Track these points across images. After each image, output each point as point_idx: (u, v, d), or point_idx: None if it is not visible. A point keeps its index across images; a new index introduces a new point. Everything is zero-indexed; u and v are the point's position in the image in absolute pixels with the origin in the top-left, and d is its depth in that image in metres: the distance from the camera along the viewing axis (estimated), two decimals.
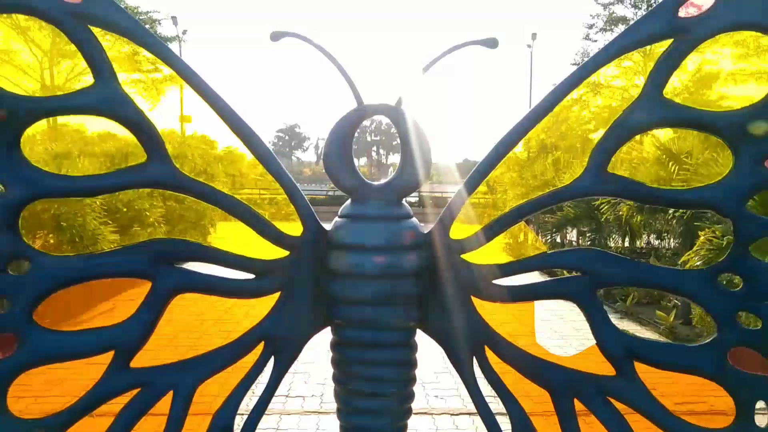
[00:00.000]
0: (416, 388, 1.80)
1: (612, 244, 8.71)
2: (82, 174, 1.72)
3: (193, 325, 5.08)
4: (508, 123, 1.71)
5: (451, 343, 1.76)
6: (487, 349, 1.74)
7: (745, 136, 1.50)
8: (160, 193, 8.53)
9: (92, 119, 1.53)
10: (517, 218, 1.73)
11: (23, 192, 1.51)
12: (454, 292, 1.74)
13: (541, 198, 1.72)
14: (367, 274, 1.67)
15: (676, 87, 14.17)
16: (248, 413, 1.76)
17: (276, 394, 1.84)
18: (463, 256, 1.74)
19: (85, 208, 6.29)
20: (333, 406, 2.80)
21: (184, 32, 26.64)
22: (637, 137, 7.31)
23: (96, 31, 1.52)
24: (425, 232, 1.73)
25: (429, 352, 2.27)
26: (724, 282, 1.63)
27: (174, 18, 25.24)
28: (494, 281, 1.73)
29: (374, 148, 58.29)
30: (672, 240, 7.58)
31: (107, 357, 1.63)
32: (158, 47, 1.59)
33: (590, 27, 27.72)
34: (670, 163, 6.31)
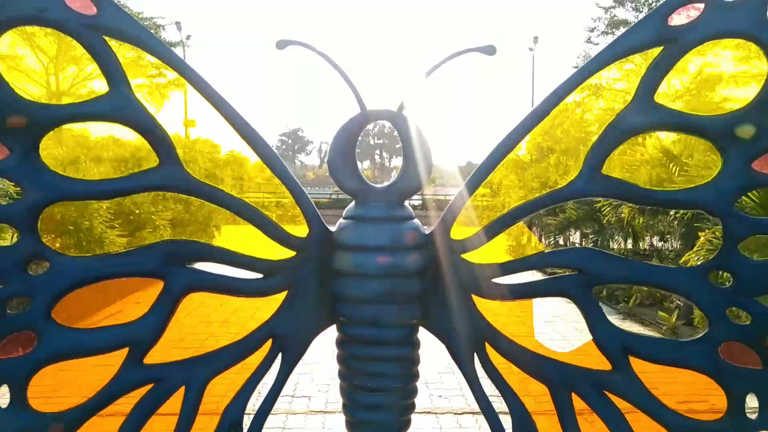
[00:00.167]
0: (420, 388, 1.86)
1: (615, 246, 8.75)
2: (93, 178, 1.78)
3: (199, 327, 5.14)
4: (511, 126, 1.77)
5: (453, 340, 1.82)
6: (487, 345, 1.80)
7: (732, 139, 1.56)
8: (170, 197, 8.61)
9: (96, 125, 1.60)
10: (516, 219, 1.79)
11: (42, 195, 1.58)
12: (455, 291, 1.80)
13: (538, 199, 1.78)
14: (370, 274, 1.73)
15: (677, 89, 14.22)
16: (255, 413, 1.82)
17: (282, 394, 1.90)
18: (463, 255, 1.80)
19: (91, 212, 6.37)
20: (338, 405, 2.86)
21: (188, 37, 26.82)
22: (640, 140, 7.38)
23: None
24: (427, 232, 1.79)
25: (433, 353, 2.33)
26: (720, 277, 1.69)
27: (178, 23, 25.40)
28: (494, 280, 1.79)
29: (377, 152, 58.41)
30: (674, 241, 7.62)
31: (114, 358, 1.70)
32: (170, 57, 1.66)
33: (591, 30, 27.78)
34: (672, 165, 6.36)
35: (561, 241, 9.92)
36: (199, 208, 10.41)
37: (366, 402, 1.82)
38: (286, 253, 1.79)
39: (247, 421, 1.80)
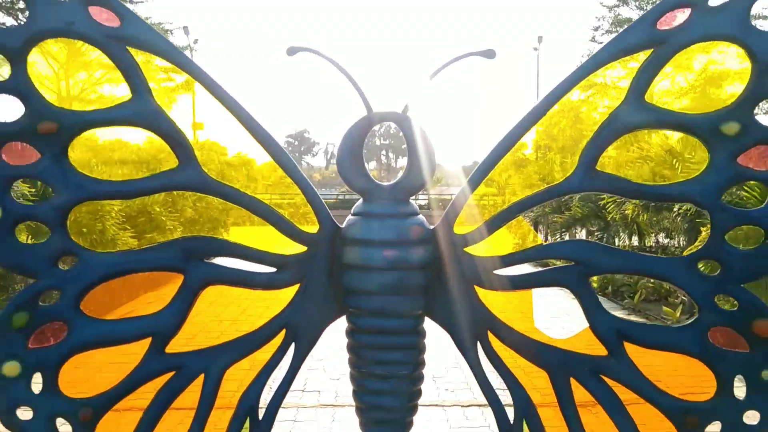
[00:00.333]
0: (428, 382, 1.95)
1: (620, 243, 8.81)
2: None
3: (210, 325, 5.25)
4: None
5: (457, 330, 1.91)
6: (490, 334, 1.89)
7: (718, 136, 1.65)
8: (180, 200, 8.75)
9: (103, 130, 1.72)
10: (516, 213, 1.89)
11: (71, 196, 1.69)
12: (458, 282, 1.89)
13: (536, 195, 1.88)
14: (378, 267, 1.82)
15: (682, 87, 14.24)
16: (270, 398, 1.92)
17: (293, 388, 1.99)
18: (466, 249, 1.89)
19: (103, 215, 6.51)
20: (348, 399, 2.96)
21: (195, 41, 27.02)
22: (646, 138, 7.44)
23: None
24: (431, 227, 1.89)
25: (440, 349, 2.43)
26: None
27: (185, 28, 25.61)
28: (495, 272, 1.89)
29: (383, 152, 58.56)
30: (680, 238, 7.68)
31: (127, 356, 1.80)
32: (187, 64, 1.76)
33: (596, 29, 27.77)
34: (675, 162, 6.43)
35: (567, 238, 9.99)
36: (207, 210, 10.56)
37: (375, 388, 1.91)
38: (299, 249, 1.90)
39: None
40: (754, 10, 1.72)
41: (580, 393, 1.84)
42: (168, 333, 1.79)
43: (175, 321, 1.79)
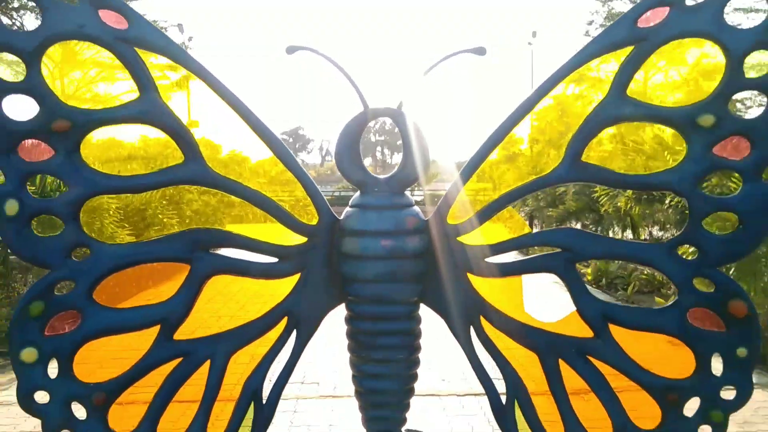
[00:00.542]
0: (426, 373, 2.05)
1: (613, 236, 8.92)
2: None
3: (209, 321, 5.32)
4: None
5: (450, 315, 2.00)
6: (482, 318, 1.99)
7: (695, 127, 1.75)
8: (178, 197, 8.81)
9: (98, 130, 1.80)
10: (505, 204, 1.98)
11: (84, 190, 1.78)
12: (451, 270, 1.99)
13: (525, 185, 1.97)
14: (375, 256, 1.92)
15: (676, 81, 14.29)
16: (273, 382, 2.01)
17: (292, 380, 2.08)
18: (458, 238, 1.99)
19: (102, 213, 6.58)
20: (346, 390, 3.02)
21: (190, 39, 27.03)
22: (639, 131, 7.54)
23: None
24: (425, 218, 1.99)
25: (437, 341, 2.53)
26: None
27: (180, 26, 25.60)
28: (486, 259, 1.98)
29: (379, 148, 58.64)
30: (674, 230, 7.79)
31: (127, 352, 1.88)
32: (192, 64, 1.85)
33: (590, 23, 27.81)
34: (666, 153, 6.53)
35: (554, 228, 10.08)
36: (204, 208, 10.61)
37: (373, 372, 2.00)
38: (300, 239, 1.99)
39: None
40: (748, 3, 1.81)
41: (572, 382, 1.94)
42: (176, 320, 1.88)
43: (183, 309, 1.88)
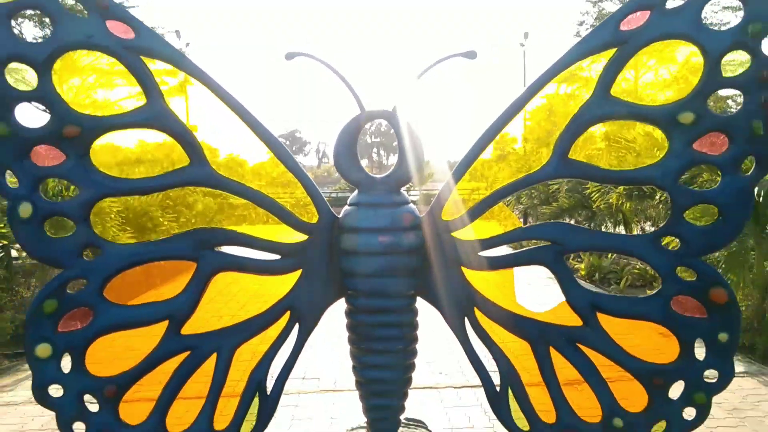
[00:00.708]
0: (423, 367, 2.13)
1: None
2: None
3: (211, 321, 5.41)
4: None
5: (446, 307, 2.09)
6: (476, 310, 2.07)
7: (675, 125, 1.84)
8: (179, 201, 8.89)
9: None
10: (497, 200, 2.06)
11: (94, 193, 1.86)
12: (445, 264, 2.07)
13: (515, 182, 2.06)
14: (373, 252, 2.00)
15: (666, 79, 14.43)
16: (277, 373, 2.09)
17: (293, 376, 2.16)
18: (452, 234, 2.07)
19: (103, 216, 6.65)
20: (346, 384, 3.08)
21: (187, 45, 27.05)
22: (630, 128, 7.65)
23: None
24: (421, 215, 2.07)
25: (434, 336, 2.61)
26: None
27: (177, 32, 25.62)
28: (479, 253, 2.07)
29: (375, 150, 58.76)
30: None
31: (129, 352, 1.97)
32: (194, 69, 1.93)
33: (580, 24, 27.90)
34: (656, 150, 6.64)
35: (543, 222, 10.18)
36: (202, 211, 10.68)
37: (373, 362, 2.09)
38: (301, 237, 2.07)
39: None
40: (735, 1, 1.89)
41: (566, 374, 2.02)
42: (183, 316, 1.96)
43: (190, 305, 1.96)
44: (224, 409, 2.07)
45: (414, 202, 2.12)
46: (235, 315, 2.09)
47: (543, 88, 2.03)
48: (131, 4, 18.44)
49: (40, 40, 1.84)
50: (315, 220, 2.08)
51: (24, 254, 6.75)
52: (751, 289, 4.95)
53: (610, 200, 7.18)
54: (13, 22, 1.87)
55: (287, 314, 2.07)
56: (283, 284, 2.09)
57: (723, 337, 1.87)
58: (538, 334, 2.01)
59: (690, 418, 1.93)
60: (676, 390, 1.94)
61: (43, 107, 1.81)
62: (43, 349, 1.85)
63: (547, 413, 2.05)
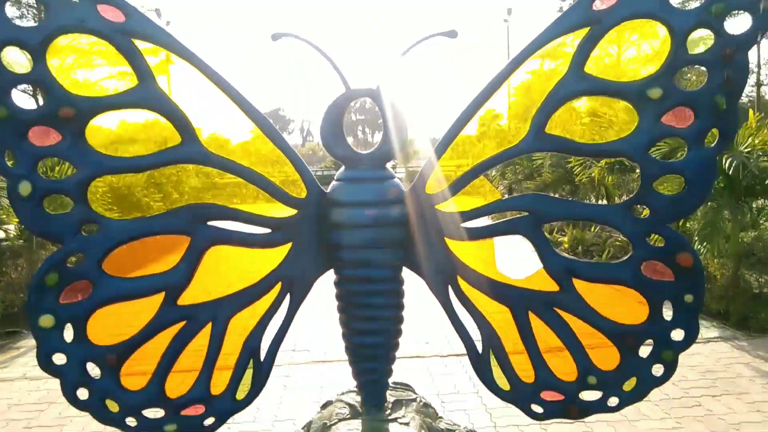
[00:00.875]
0: (411, 337, 2.23)
1: None
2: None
3: (200, 297, 5.48)
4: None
5: (430, 276, 2.19)
6: (459, 278, 2.18)
7: (645, 100, 1.93)
8: (163, 180, 8.93)
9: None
10: (478, 173, 2.15)
11: (90, 171, 1.93)
12: (429, 236, 2.17)
13: (495, 156, 2.15)
14: (360, 224, 2.09)
15: (648, 54, 14.58)
16: (269, 343, 2.19)
17: (283, 348, 2.25)
18: (436, 206, 2.17)
19: (91, 196, 6.69)
20: (336, 356, 3.19)
21: (168, 23, 26.76)
22: (613, 104, 7.77)
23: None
24: (405, 190, 2.16)
25: (421, 307, 2.72)
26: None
27: (158, 10, 25.30)
28: (461, 225, 2.17)
29: (360, 127, 58.60)
30: None
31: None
32: (185, 52, 1.99)
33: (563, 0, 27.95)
34: (633, 125, 6.78)
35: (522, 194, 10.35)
36: (190, 191, 10.72)
37: (361, 328, 2.19)
38: (290, 212, 2.15)
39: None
40: None
41: (548, 342, 2.13)
42: (179, 287, 2.05)
43: (184, 277, 2.05)
44: (218, 380, 2.16)
45: (399, 180, 2.20)
46: (224, 293, 2.17)
47: (519, 67, 2.11)
48: None
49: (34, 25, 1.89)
50: (303, 195, 2.16)
51: (12, 235, 6.78)
52: (726, 258, 5.12)
53: (593, 174, 7.32)
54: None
55: (278, 286, 2.16)
56: (270, 262, 2.17)
57: (689, 298, 1.99)
58: (518, 299, 2.12)
59: (658, 375, 2.07)
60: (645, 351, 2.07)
61: (39, 90, 1.87)
62: (46, 320, 1.94)
63: (527, 378, 2.16)
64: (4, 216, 6.05)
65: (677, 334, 2.03)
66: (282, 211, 2.17)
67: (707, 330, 5.23)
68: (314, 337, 4.65)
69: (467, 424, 2.40)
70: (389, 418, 2.24)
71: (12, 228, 6.68)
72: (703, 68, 1.97)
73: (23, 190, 1.87)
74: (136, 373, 2.10)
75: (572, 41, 2.08)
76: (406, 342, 2.26)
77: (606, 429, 3.64)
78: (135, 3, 1.93)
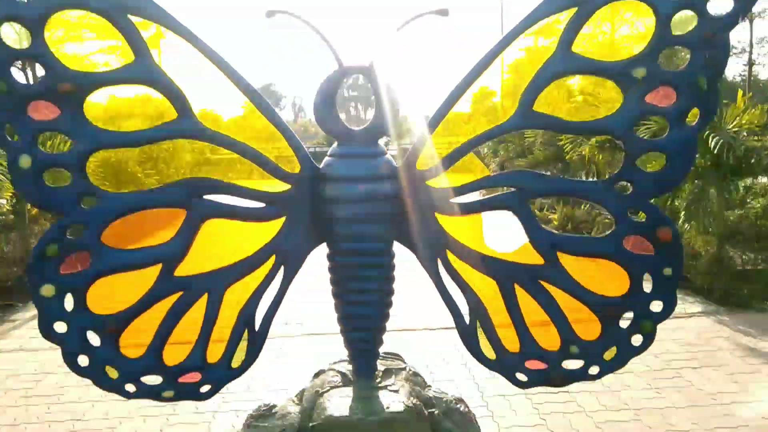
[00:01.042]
0: (401, 311, 2.29)
1: None
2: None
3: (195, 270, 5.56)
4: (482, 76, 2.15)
5: (421, 250, 2.26)
6: (448, 252, 2.25)
7: (629, 79, 1.99)
8: (156, 155, 8.93)
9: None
10: (468, 149, 2.20)
11: (89, 145, 1.98)
12: (420, 210, 2.23)
13: (485, 133, 2.20)
14: (353, 199, 2.15)
15: (641, 32, 14.59)
16: (264, 314, 2.26)
17: (275, 322, 2.30)
18: (427, 182, 2.23)
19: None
20: (328, 328, 3.23)
21: None
22: (604, 84, 7.80)
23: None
24: (397, 165, 2.22)
25: (412, 282, 2.80)
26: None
27: None
28: (451, 200, 2.23)
29: (352, 104, 58.26)
30: None
31: None
32: (179, 28, 2.02)
33: None
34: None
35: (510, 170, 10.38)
36: (183, 169, 10.72)
37: (353, 299, 2.26)
38: (284, 186, 2.20)
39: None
40: None
41: (535, 315, 2.21)
42: (176, 259, 2.11)
43: (181, 248, 2.10)
44: (213, 350, 2.22)
45: (393, 156, 2.25)
46: (216, 267, 2.22)
47: (510, 45, 2.15)
48: None
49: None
50: (297, 170, 2.21)
51: (4, 210, 6.80)
52: (711, 236, 5.23)
53: (583, 152, 7.39)
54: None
55: (272, 258, 2.22)
56: (265, 235, 2.23)
57: (667, 271, 2.07)
58: (505, 273, 2.19)
59: (637, 345, 2.16)
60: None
61: (38, 65, 1.90)
62: (47, 289, 1.99)
63: (513, 347, 2.24)
64: None
65: (656, 306, 2.12)
66: (276, 187, 2.22)
67: (691, 305, 5.37)
68: (307, 311, 4.72)
69: (455, 393, 2.48)
70: (380, 385, 2.32)
71: (4, 202, 6.71)
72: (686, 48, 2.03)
73: (24, 163, 1.91)
74: (135, 345, 2.17)
75: (566, 19, 2.12)
76: (396, 315, 2.33)
77: (589, 398, 3.77)
78: None
